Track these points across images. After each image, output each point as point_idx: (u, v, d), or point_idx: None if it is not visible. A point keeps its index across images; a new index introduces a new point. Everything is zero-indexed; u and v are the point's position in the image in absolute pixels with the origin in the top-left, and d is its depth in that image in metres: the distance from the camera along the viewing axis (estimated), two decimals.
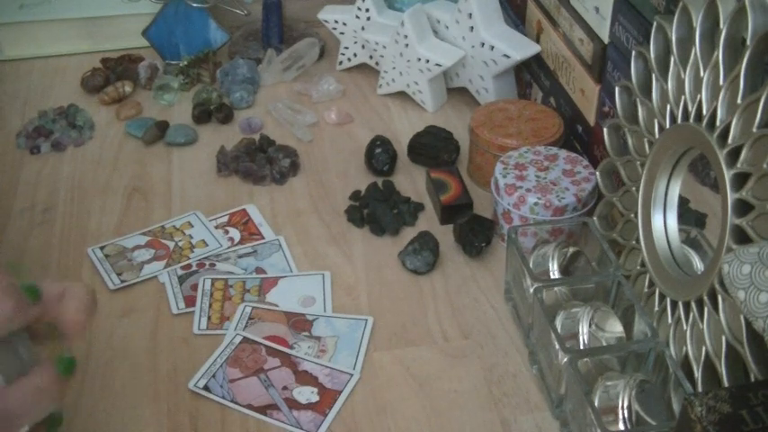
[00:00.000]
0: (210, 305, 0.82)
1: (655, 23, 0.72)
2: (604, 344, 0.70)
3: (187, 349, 0.77)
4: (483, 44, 1.05)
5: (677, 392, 0.64)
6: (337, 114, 1.11)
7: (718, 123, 0.64)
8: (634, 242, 0.76)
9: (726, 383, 0.61)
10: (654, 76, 0.72)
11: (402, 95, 1.15)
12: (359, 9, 1.15)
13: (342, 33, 1.19)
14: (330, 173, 1.01)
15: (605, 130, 0.81)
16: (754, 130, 0.59)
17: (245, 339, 0.78)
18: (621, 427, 0.63)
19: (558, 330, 0.70)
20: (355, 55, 1.20)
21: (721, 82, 0.63)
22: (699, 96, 0.66)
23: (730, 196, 0.61)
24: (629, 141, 0.77)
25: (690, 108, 0.67)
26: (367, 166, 1.01)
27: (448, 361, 0.77)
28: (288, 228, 0.92)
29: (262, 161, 1.00)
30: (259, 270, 0.86)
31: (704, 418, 0.46)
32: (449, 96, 1.14)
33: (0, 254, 0.89)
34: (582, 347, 0.70)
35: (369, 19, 1.15)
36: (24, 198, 0.97)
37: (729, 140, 0.62)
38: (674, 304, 0.69)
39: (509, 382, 0.74)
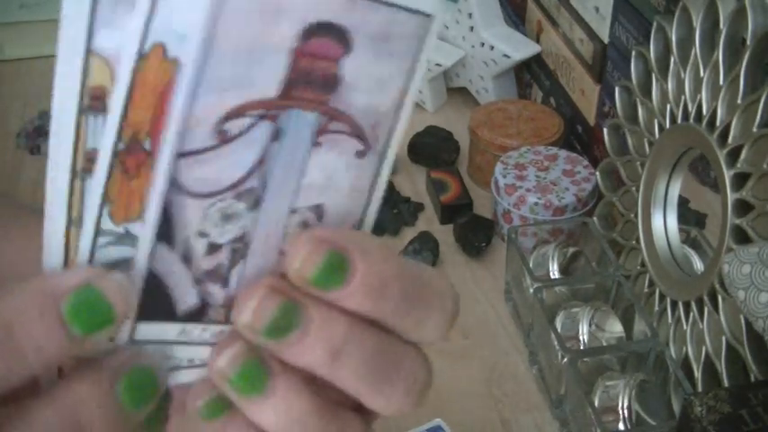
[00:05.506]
0: None
1: (655, 23, 0.72)
2: (604, 344, 0.70)
3: None
4: (483, 44, 1.05)
5: (677, 392, 0.64)
6: None
7: (718, 123, 0.63)
8: (634, 242, 0.76)
9: (726, 383, 0.61)
10: (654, 76, 0.72)
11: None
12: None
13: None
14: None
15: (605, 130, 0.81)
16: (754, 130, 0.59)
17: None
18: (621, 427, 0.63)
19: (558, 330, 0.70)
20: None
21: (721, 82, 0.63)
22: (699, 96, 0.66)
23: (730, 196, 0.61)
24: (629, 141, 0.77)
25: (690, 108, 0.67)
26: None
27: (448, 361, 0.77)
28: None
29: None
30: None
31: (704, 418, 0.46)
32: (449, 96, 1.14)
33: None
34: (582, 347, 0.70)
35: None
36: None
37: (729, 140, 0.62)
38: (674, 304, 0.69)
39: (509, 382, 0.74)
